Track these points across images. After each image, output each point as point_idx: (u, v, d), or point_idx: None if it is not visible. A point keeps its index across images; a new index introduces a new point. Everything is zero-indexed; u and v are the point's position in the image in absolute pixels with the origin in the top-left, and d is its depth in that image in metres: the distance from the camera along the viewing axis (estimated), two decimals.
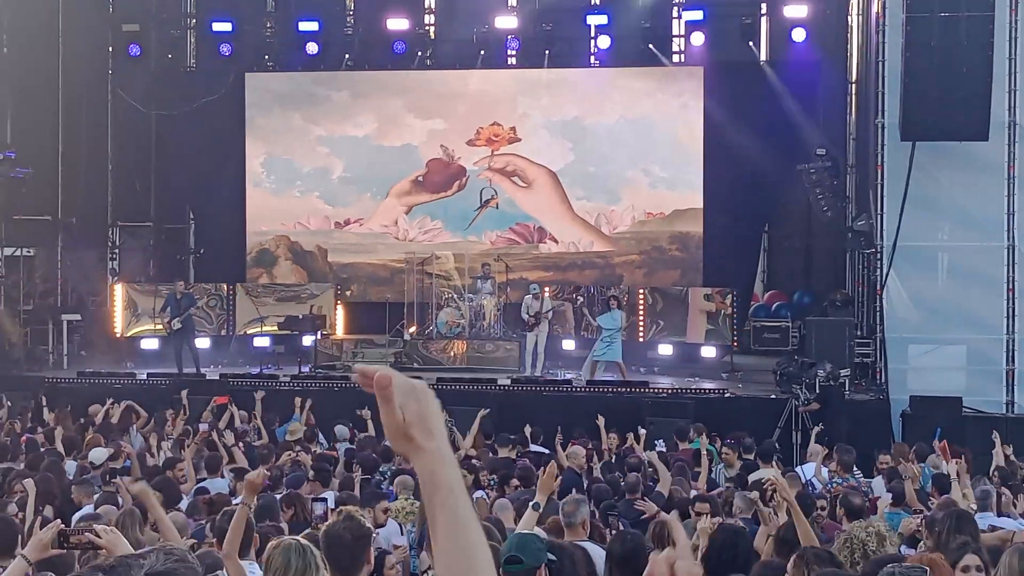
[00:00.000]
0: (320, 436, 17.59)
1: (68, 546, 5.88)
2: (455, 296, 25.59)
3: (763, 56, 27.20)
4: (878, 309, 21.15)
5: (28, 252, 26.44)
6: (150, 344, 25.33)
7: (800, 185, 24.53)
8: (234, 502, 10.05)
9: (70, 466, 13.58)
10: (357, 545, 5.68)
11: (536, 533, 6.49)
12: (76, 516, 9.72)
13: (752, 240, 27.07)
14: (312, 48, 27.81)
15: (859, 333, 22.20)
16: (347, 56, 28.25)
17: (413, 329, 25.44)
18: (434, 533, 2.74)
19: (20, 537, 7.30)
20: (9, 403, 19.78)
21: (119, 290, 25.98)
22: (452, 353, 24.28)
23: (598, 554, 8.11)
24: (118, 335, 25.59)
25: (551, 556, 6.04)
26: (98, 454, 13.64)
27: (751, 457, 15.24)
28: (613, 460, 15.67)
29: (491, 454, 15.45)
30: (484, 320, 24.89)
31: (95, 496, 11.07)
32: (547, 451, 16.18)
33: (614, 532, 9.10)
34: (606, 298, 23.21)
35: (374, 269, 28.35)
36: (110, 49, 28.15)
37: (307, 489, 11.94)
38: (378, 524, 9.87)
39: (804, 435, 18.25)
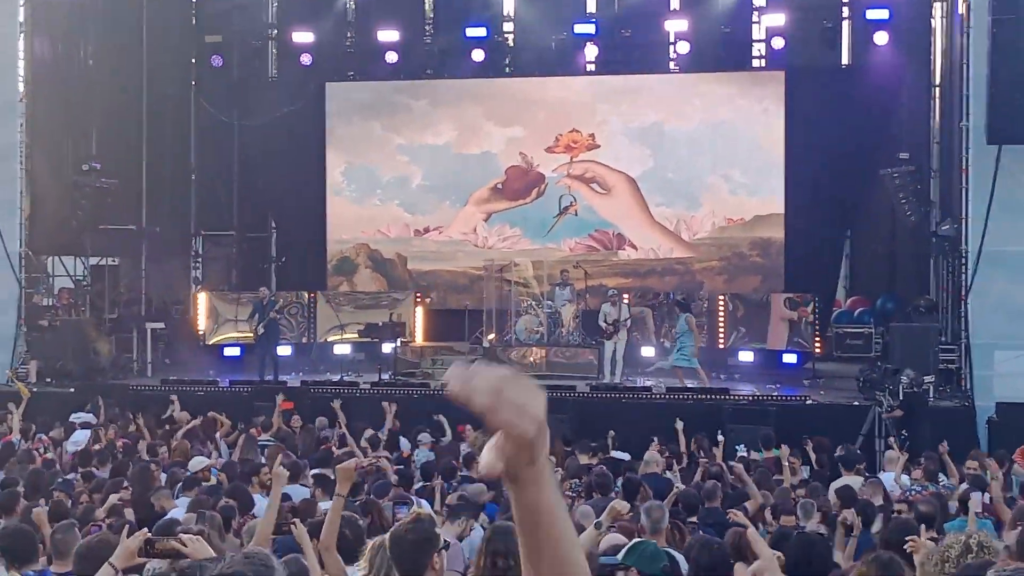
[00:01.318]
0: (402, 442, 17.63)
1: (154, 553, 5.95)
2: (534, 303, 25.58)
3: (845, 60, 26.94)
4: (963, 315, 20.84)
5: (113, 261, 26.84)
6: (233, 352, 25.57)
7: (883, 190, 24.27)
8: (321, 507, 10.10)
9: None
10: (419, 549, 5.63)
11: (649, 540, 6.44)
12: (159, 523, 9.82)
13: (834, 246, 26.81)
14: (392, 57, 28.00)
15: (944, 339, 21.87)
16: (426, 65, 28.39)
17: (492, 336, 25.46)
18: (536, 565, 2.53)
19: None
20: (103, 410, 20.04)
21: (202, 298, 26.27)
22: (531, 360, 24.25)
23: (681, 561, 8.07)
24: (201, 343, 25.84)
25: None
26: (198, 462, 13.72)
27: (826, 464, 15.15)
28: (687, 465, 15.60)
29: (570, 461, 15.38)
30: (563, 327, 24.86)
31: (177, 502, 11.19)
32: (627, 457, 16.09)
33: (691, 539, 9.00)
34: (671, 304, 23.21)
35: (453, 277, 28.42)
36: (193, 60, 28.55)
37: (392, 496, 11.99)
38: (461, 537, 9.80)
39: (887, 443, 18.03)
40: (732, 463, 14.74)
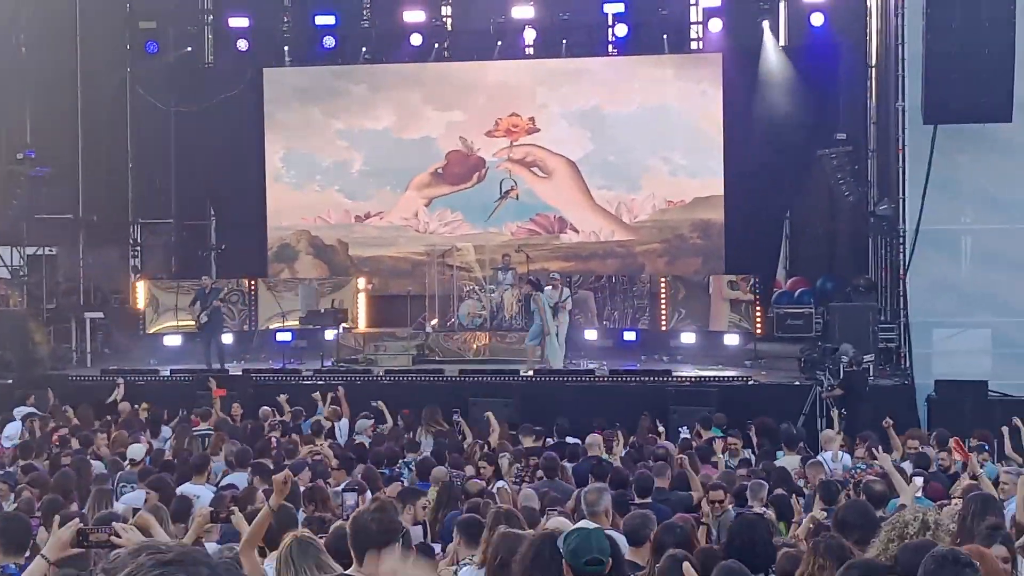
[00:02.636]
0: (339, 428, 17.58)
1: (88, 544, 5.85)
2: (476, 288, 25.59)
3: (782, 41, 27.08)
4: (902, 294, 21.05)
5: (50, 251, 26.51)
6: (173, 341, 25.33)
7: (821, 170, 24.44)
8: (259, 496, 10.04)
9: (97, 464, 13.57)
10: (384, 538, 5.57)
11: (597, 527, 6.40)
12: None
13: (774, 227, 26.94)
14: (329, 42, 27.89)
15: (883, 318, 22.08)
16: (364, 49, 28.26)
17: (435, 322, 25.44)
18: None
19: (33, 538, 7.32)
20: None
21: (141, 287, 26.00)
22: (474, 345, 24.27)
23: (623, 542, 8.08)
24: (141, 332, 25.60)
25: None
26: (136, 450, 13.64)
27: (770, 445, 15.27)
28: (632, 449, 15.67)
29: (513, 445, 15.42)
30: (506, 311, 24.87)
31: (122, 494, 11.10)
32: (577, 441, 16.13)
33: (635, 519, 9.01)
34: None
35: (395, 262, 28.34)
36: (128, 46, 28.18)
37: (333, 481, 11.98)
38: (416, 521, 9.79)
39: (829, 421, 18.20)
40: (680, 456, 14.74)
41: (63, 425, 17.18)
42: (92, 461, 13.38)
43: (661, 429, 17.45)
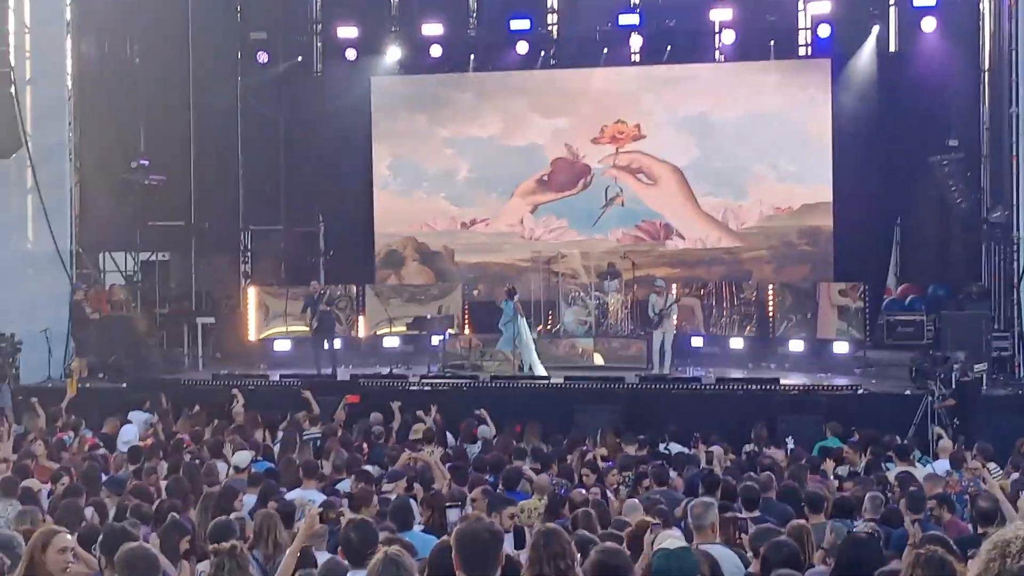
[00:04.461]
0: (449, 436, 17.64)
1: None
2: (582, 294, 25.57)
3: (892, 47, 26.72)
4: (1016, 302, 20.65)
5: (163, 257, 27.06)
6: (283, 346, 25.65)
7: (932, 177, 24.08)
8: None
9: (221, 467, 13.74)
10: (493, 543, 5.58)
11: (686, 546, 6.34)
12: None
13: (884, 233, 26.59)
14: (436, 51, 28.08)
15: (997, 326, 21.67)
16: (471, 57, 28.42)
17: (540, 328, 25.46)
18: None
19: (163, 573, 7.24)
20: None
21: (252, 293, 26.36)
22: (579, 351, 24.25)
23: (727, 557, 8.02)
24: (251, 338, 25.94)
25: None
26: (242, 457, 13.77)
27: (883, 454, 15.04)
28: (743, 458, 15.56)
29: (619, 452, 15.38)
30: (611, 318, 24.83)
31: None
32: (687, 450, 16.06)
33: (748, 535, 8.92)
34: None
35: (501, 268, 28.43)
36: (239, 56, 28.63)
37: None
38: (505, 530, 9.79)
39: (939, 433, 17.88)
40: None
41: (182, 431, 17.37)
42: (213, 464, 13.52)
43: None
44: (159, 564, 6.71)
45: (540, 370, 22.60)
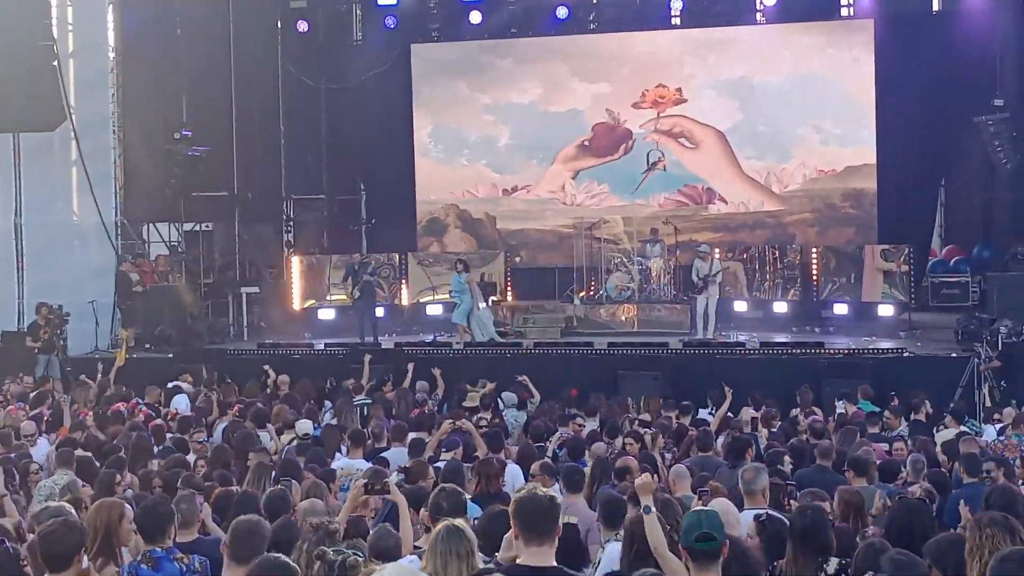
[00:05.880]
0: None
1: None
2: (624, 260, 25.51)
3: (935, 6, 26.42)
4: None
5: (207, 227, 27.17)
6: (327, 315, 25.76)
7: (978, 137, 23.83)
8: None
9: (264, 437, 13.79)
10: (552, 511, 5.69)
11: (713, 510, 6.38)
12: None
13: (928, 195, 26.38)
14: (476, 17, 28.00)
15: None
16: (511, 23, 28.31)
17: (583, 294, 25.46)
18: None
19: (173, 526, 7.47)
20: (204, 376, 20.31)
21: (295, 262, 26.46)
22: (622, 317, 24.24)
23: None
24: (295, 307, 26.04)
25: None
26: (304, 426, 13.84)
27: (921, 418, 14.99)
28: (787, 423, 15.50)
29: (662, 419, 15.35)
30: (654, 283, 24.79)
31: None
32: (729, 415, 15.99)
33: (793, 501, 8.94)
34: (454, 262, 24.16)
35: (543, 235, 28.43)
36: (279, 26, 28.62)
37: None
38: None
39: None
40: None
41: (230, 400, 17.48)
42: (257, 433, 13.60)
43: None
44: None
45: (485, 337, 22.95)
